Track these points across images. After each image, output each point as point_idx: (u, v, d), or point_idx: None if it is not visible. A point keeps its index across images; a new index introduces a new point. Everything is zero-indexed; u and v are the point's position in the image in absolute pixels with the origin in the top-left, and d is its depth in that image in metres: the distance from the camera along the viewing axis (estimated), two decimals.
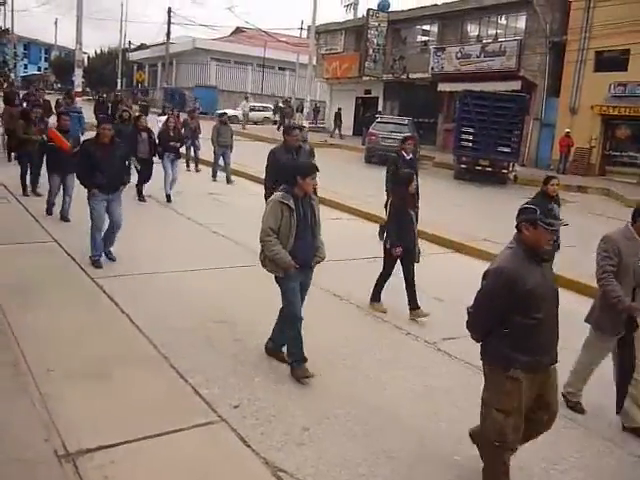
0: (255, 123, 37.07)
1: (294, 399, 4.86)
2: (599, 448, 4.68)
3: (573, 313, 5.41)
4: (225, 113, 17.15)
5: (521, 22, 26.42)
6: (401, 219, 7.01)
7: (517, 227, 3.66)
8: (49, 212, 10.26)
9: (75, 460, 3.77)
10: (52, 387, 4.61)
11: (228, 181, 15.84)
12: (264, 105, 43.56)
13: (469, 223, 12.49)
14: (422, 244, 7.63)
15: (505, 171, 20.68)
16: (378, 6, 33.45)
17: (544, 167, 24.70)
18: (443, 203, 14.77)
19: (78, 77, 24.38)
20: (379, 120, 24.90)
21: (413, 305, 7.00)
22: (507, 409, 3.61)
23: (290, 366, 5.24)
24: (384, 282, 7.21)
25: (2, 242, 8.37)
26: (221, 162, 16.07)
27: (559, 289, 3.82)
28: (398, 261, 7.07)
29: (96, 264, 7.70)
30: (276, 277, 5.21)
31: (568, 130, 23.58)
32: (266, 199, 7.96)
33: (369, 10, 32.86)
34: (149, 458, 3.91)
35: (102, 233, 7.84)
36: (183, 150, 14.46)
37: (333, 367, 5.34)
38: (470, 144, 20.93)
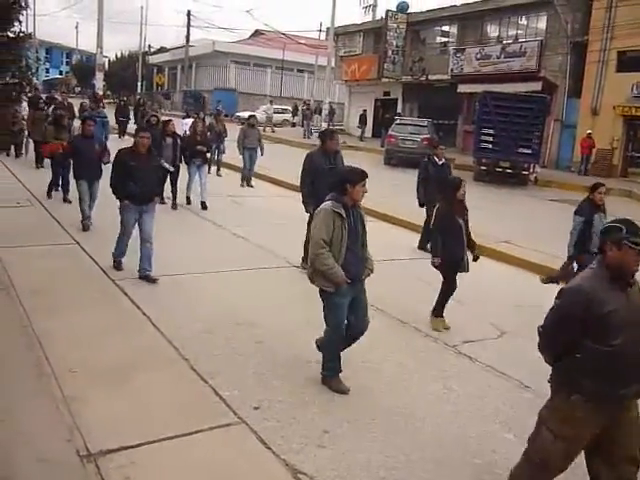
0: (274, 125, 37.26)
1: (314, 401, 4.86)
2: None
3: None
4: (253, 115, 17.03)
5: (542, 22, 26.18)
6: (447, 226, 6.58)
7: (600, 248, 3.39)
8: (86, 228, 9.67)
9: (97, 460, 3.81)
10: (74, 388, 4.66)
11: (248, 183, 15.90)
12: (283, 107, 43.69)
13: (489, 225, 12.37)
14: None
15: (526, 172, 20.47)
16: (397, 7, 33.39)
17: (565, 168, 24.50)
18: None
19: (99, 81, 24.72)
20: (398, 122, 24.82)
21: (438, 312, 6.83)
22: (560, 434, 3.36)
23: (323, 376, 5.16)
24: (447, 297, 6.83)
25: (25, 244, 8.50)
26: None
27: None
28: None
29: (117, 266, 7.75)
30: (322, 291, 4.95)
31: (589, 131, 23.31)
32: (304, 205, 7.94)
33: (388, 12, 32.83)
34: (170, 459, 3.94)
35: (129, 239, 7.72)
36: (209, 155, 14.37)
37: (353, 369, 5.33)
38: (490, 145, 20.73)
